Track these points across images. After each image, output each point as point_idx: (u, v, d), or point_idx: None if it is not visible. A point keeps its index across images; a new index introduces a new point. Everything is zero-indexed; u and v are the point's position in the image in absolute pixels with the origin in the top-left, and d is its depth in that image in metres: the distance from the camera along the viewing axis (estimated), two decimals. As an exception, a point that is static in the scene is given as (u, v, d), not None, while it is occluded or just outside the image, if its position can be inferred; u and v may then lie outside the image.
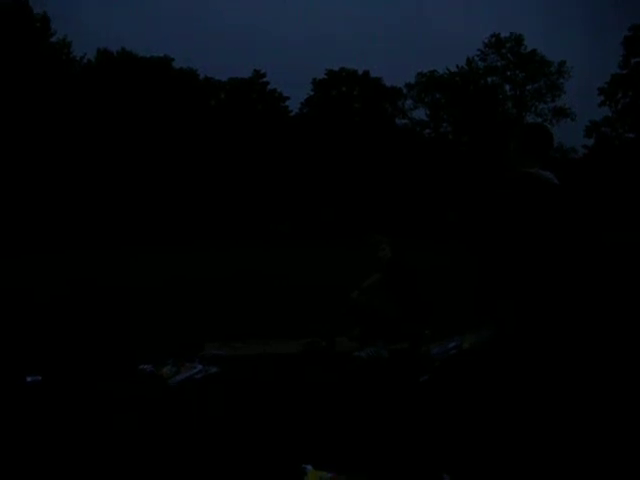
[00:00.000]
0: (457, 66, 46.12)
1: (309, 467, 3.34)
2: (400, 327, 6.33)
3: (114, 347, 6.32)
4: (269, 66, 74.07)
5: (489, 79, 46.22)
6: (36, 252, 22.95)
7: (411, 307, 6.52)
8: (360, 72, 46.50)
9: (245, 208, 38.88)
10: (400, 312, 6.49)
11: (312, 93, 46.78)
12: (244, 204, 38.91)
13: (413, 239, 25.65)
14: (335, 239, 31.36)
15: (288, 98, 46.47)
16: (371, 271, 6.93)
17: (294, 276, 14.02)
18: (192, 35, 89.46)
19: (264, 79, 45.91)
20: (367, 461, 3.44)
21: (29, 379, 5.11)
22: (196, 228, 35.99)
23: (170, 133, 39.00)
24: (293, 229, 37.16)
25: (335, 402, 4.55)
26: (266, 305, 9.39)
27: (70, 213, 33.79)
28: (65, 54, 40.10)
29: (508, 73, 46.04)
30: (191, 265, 17.72)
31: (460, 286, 11.40)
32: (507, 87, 46.51)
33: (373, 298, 6.69)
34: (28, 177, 32.96)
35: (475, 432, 3.89)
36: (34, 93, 34.36)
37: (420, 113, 47.03)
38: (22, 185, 32.72)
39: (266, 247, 27.05)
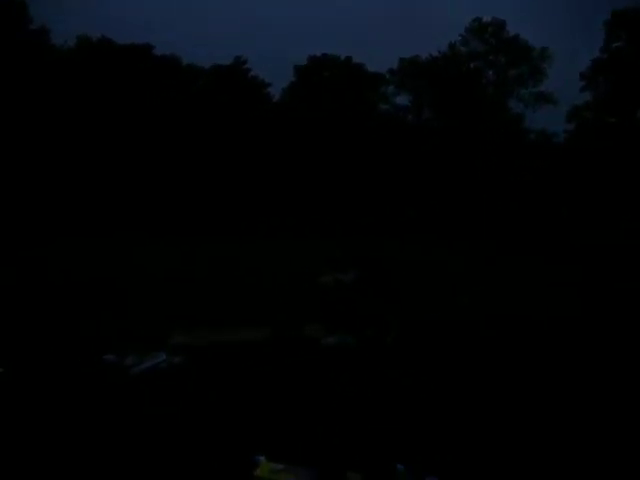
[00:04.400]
0: (439, 51, 46.01)
1: (262, 458, 3.31)
2: (367, 315, 6.29)
3: (79, 337, 6.25)
4: (251, 52, 73.56)
5: (471, 64, 46.10)
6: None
7: (380, 296, 6.50)
8: (342, 58, 46.26)
9: (225, 199, 38.40)
10: (369, 301, 6.46)
11: (294, 79, 46.52)
12: (224, 195, 38.44)
13: (399, 231, 25.66)
14: (321, 232, 31.00)
15: (270, 85, 46.20)
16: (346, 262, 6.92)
17: (269, 266, 13.93)
18: (174, 21, 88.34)
19: (245, 65, 45.57)
20: (322, 453, 3.39)
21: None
22: (172, 219, 35.41)
23: (151, 121, 38.62)
24: (279, 222, 36.45)
25: (300, 392, 4.50)
26: (239, 294, 9.33)
27: (47, 203, 33.33)
28: (44, 41, 39.53)
29: (490, 58, 45.93)
30: (165, 256, 17.54)
31: (427, 277, 11.42)
32: (489, 72, 46.41)
33: (344, 287, 6.65)
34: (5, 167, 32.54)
35: (431, 425, 3.86)
36: (11, 80, 33.97)
37: (403, 99, 46.93)
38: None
39: (247, 240, 26.85)
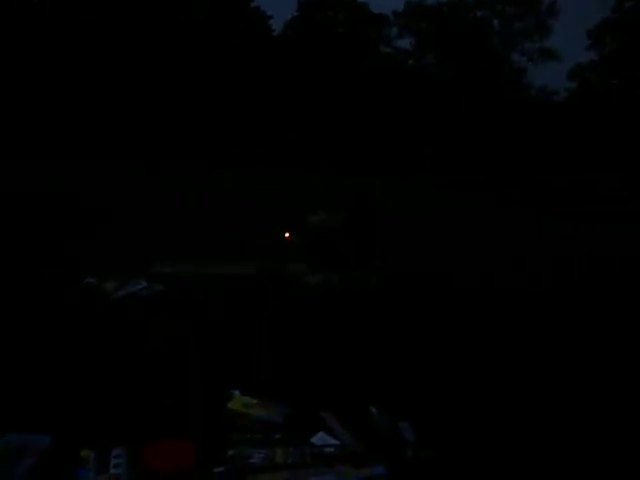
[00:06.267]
0: (447, -4, 45.06)
1: (236, 392, 3.30)
2: (353, 255, 6.27)
3: (60, 259, 6.21)
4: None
5: (478, 13, 45.29)
6: None
7: (368, 238, 6.47)
8: (348, -4, 45.24)
9: (224, 128, 38.04)
10: (355, 243, 6.42)
11: (296, 14, 45.58)
12: (223, 124, 38.06)
13: (386, 171, 25.56)
14: (317, 169, 30.72)
15: (271, 17, 45.24)
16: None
17: (257, 199, 13.79)
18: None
19: (248, -5, 44.48)
20: (296, 390, 3.40)
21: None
22: (171, 148, 35.05)
23: (149, 47, 37.85)
24: (268, 153, 36.22)
25: (281, 328, 4.49)
26: (224, 226, 9.25)
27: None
28: None
29: (498, 8, 45.07)
30: (156, 185, 17.34)
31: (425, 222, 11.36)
32: (495, 22, 45.61)
33: (331, 227, 6.61)
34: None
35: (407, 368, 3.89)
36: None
37: (405, 43, 46.25)
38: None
39: (240, 170, 26.58)
